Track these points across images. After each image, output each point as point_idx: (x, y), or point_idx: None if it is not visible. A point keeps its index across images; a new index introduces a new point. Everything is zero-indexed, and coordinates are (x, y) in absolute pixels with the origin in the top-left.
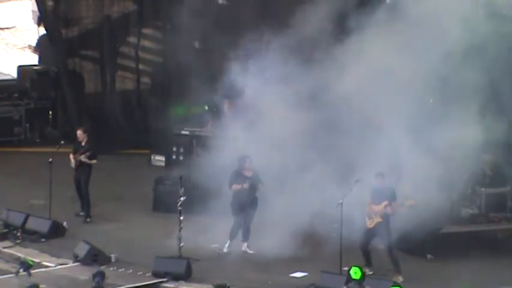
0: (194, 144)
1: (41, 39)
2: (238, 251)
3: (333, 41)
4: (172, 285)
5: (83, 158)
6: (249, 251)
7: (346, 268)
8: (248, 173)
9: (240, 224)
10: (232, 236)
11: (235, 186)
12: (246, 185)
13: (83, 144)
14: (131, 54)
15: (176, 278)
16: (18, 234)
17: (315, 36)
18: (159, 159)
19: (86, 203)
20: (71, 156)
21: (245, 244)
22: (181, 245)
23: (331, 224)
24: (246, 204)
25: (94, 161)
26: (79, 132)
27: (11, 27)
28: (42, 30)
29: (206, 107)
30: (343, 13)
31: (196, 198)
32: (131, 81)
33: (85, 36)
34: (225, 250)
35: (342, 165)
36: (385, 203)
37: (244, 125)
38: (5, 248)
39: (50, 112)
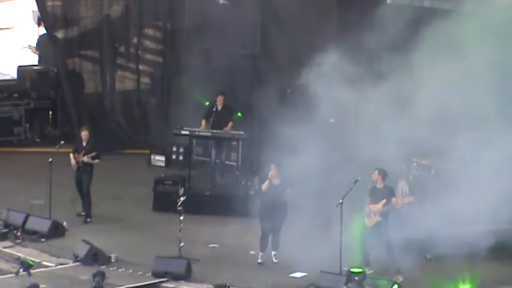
0: (194, 145)
1: (40, 39)
2: (238, 251)
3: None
4: (172, 285)
5: (85, 158)
6: (274, 260)
7: (346, 268)
8: (275, 181)
9: (268, 233)
10: (262, 247)
11: (265, 185)
12: (265, 186)
13: (85, 144)
14: (131, 54)
15: (176, 278)
16: (18, 234)
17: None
18: (159, 159)
19: (87, 203)
20: (72, 155)
21: (273, 253)
22: (181, 245)
23: None
24: (272, 212)
25: (97, 161)
26: (84, 133)
27: (11, 27)
28: (42, 30)
29: (207, 103)
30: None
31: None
32: (131, 81)
33: (85, 36)
34: (259, 261)
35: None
36: (384, 201)
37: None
38: (5, 248)
39: (50, 112)
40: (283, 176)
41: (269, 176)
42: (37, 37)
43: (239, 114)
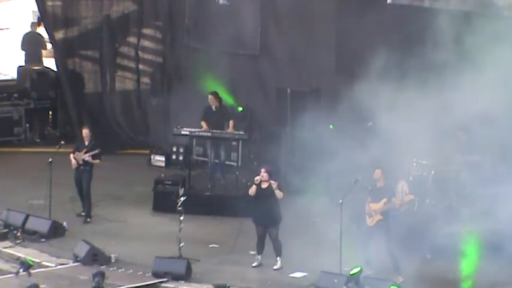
0: (194, 145)
1: (25, 38)
2: (238, 251)
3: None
4: (172, 285)
5: (86, 157)
6: (275, 266)
7: (346, 268)
8: (264, 185)
9: (262, 237)
10: (258, 250)
11: (252, 189)
12: (251, 190)
13: (86, 143)
14: (131, 54)
15: (176, 278)
16: (18, 234)
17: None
18: (159, 159)
19: (88, 203)
20: (72, 156)
21: (278, 258)
22: (181, 245)
23: None
24: (264, 217)
25: (97, 161)
26: (85, 131)
27: (11, 28)
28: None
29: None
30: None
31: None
32: (131, 81)
33: (85, 36)
34: (253, 265)
35: None
36: (385, 200)
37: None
38: (5, 248)
39: (50, 112)
40: (274, 181)
41: (255, 180)
42: (21, 36)
43: (239, 108)
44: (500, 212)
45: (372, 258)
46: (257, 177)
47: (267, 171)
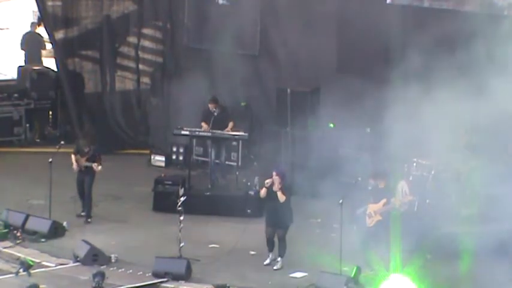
0: (194, 145)
1: (25, 38)
2: (238, 251)
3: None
4: (172, 285)
5: (90, 165)
6: (275, 267)
7: (346, 268)
8: (276, 187)
9: (270, 237)
10: (269, 248)
11: (262, 192)
12: (262, 193)
13: (86, 150)
14: (131, 54)
15: (176, 278)
16: (18, 234)
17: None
18: (159, 159)
19: (88, 203)
20: (73, 157)
21: (279, 258)
22: (181, 245)
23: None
24: (274, 218)
25: (99, 168)
26: (82, 142)
27: (11, 28)
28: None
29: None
30: None
31: None
32: (131, 81)
33: (85, 36)
34: (264, 263)
35: None
36: (384, 200)
37: None
38: (5, 248)
39: (50, 112)
40: (288, 184)
41: (265, 183)
42: (21, 36)
43: (243, 104)
44: (500, 212)
45: (372, 258)
46: (268, 180)
47: (278, 175)
